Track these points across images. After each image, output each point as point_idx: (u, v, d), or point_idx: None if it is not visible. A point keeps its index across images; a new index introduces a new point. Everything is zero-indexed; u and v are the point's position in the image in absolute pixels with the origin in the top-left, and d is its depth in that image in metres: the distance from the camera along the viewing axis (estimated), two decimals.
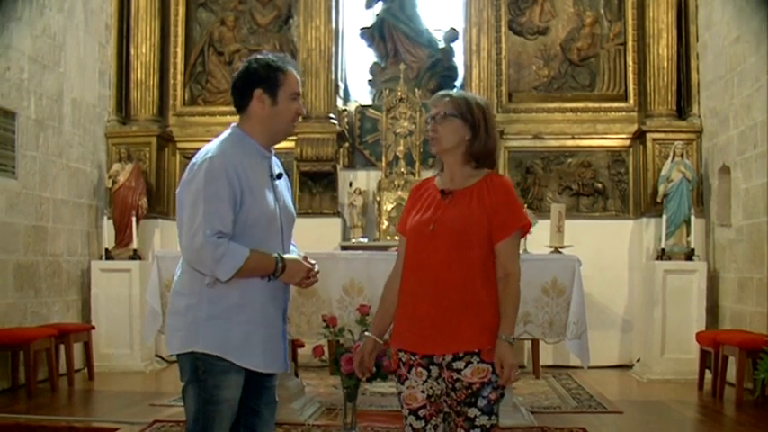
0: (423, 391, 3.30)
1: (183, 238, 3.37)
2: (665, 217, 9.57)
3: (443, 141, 3.36)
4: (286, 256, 3.46)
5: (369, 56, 12.07)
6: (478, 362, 3.20)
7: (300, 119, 3.65)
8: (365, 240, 10.43)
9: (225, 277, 3.30)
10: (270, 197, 3.46)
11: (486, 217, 3.26)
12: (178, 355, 3.44)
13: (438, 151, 3.40)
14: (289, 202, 3.63)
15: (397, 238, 3.59)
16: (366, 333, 3.52)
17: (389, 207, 10.38)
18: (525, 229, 3.36)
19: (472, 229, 3.25)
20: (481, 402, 3.22)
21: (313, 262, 3.54)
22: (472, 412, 3.22)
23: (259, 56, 3.54)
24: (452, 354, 3.22)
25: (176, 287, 3.51)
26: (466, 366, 3.21)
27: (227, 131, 3.53)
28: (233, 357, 3.35)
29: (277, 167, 3.59)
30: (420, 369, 3.28)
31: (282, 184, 3.60)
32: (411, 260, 3.35)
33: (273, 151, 3.60)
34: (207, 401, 3.37)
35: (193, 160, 3.44)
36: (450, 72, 11.73)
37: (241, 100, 3.51)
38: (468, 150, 3.36)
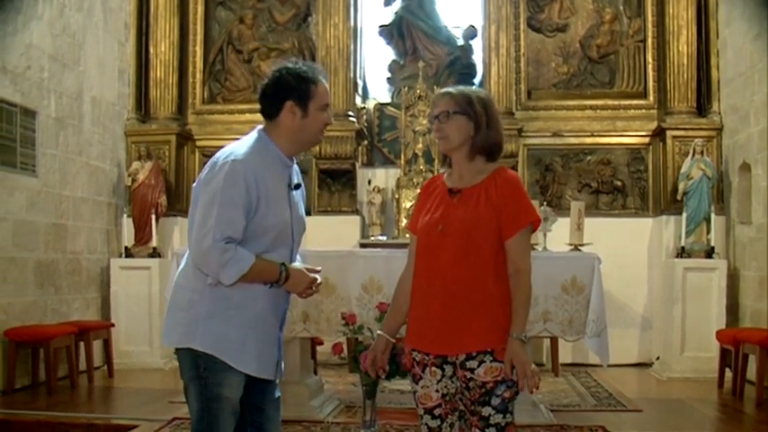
0: (437, 391, 3.28)
1: (192, 236, 3.38)
2: (684, 215, 9.52)
3: (452, 139, 3.34)
4: (291, 265, 3.46)
5: (387, 53, 12.07)
6: (491, 361, 3.19)
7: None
8: (384, 238, 10.42)
9: (228, 282, 3.31)
10: (285, 207, 3.46)
11: (494, 213, 3.23)
12: (178, 349, 3.44)
13: (447, 149, 3.38)
14: (302, 212, 3.64)
15: None
16: (378, 332, 3.51)
17: (408, 205, 10.33)
18: (535, 225, 3.32)
19: (481, 227, 3.23)
20: (495, 401, 3.20)
21: (317, 274, 3.55)
22: (486, 411, 3.20)
23: (290, 65, 3.50)
24: (465, 353, 3.20)
25: (180, 279, 3.50)
26: (479, 366, 3.19)
27: (254, 135, 3.51)
28: (228, 359, 3.35)
29: (296, 177, 3.59)
30: (434, 368, 3.27)
31: (298, 194, 3.60)
32: (421, 261, 3.34)
33: (296, 159, 3.61)
34: (210, 399, 3.37)
35: (214, 158, 3.44)
36: (469, 69, 11.70)
37: (270, 108, 3.49)
38: (472, 145, 3.35)
